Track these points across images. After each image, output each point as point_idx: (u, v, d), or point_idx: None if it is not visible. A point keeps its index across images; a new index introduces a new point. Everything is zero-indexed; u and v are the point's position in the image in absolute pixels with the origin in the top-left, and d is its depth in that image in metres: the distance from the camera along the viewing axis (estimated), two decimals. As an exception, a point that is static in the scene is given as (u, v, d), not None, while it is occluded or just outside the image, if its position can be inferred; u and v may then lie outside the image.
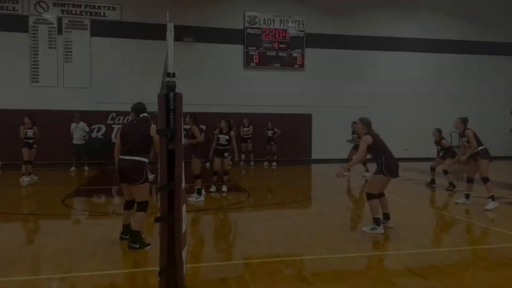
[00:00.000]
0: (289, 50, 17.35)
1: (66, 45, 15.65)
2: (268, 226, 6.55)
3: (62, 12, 15.58)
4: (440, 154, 10.67)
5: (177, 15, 15.60)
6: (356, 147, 12.59)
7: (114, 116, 15.75)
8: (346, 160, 12.90)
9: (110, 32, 15.85)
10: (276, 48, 17.24)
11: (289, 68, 17.38)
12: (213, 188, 9.57)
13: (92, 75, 15.79)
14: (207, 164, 13.60)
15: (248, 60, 16.98)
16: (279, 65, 17.27)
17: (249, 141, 15.59)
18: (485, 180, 7.80)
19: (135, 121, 5.42)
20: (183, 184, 3.60)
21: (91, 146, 14.64)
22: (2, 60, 15.06)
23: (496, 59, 19.23)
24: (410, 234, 6.04)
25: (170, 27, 3.45)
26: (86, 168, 13.89)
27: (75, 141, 13.76)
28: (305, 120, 17.43)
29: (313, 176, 14.69)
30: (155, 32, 15.14)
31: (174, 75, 3.50)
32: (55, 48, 15.56)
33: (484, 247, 5.65)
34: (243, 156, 15.66)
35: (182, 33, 15.49)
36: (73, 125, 13.76)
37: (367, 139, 6.18)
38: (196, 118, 8.56)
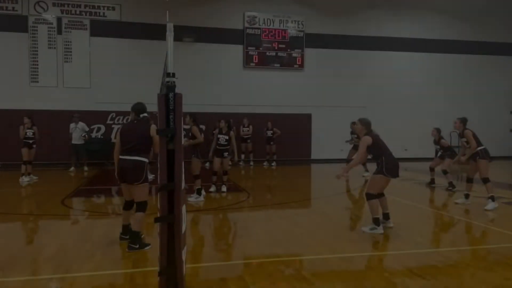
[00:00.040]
0: (288, 50, 17.35)
1: (66, 45, 15.64)
2: (268, 226, 6.55)
3: (62, 12, 15.57)
4: (439, 154, 10.67)
5: (177, 15, 15.62)
6: (355, 147, 12.59)
7: (114, 116, 15.74)
8: (346, 160, 12.93)
9: (110, 32, 15.84)
10: (276, 48, 17.23)
11: (288, 68, 17.38)
12: (212, 188, 9.57)
13: (91, 75, 15.78)
14: (207, 164, 13.60)
15: (247, 60, 16.98)
16: (278, 65, 17.27)
17: (249, 141, 15.58)
18: (485, 180, 7.80)
19: (135, 121, 5.42)
20: (183, 184, 3.60)
21: (91, 146, 14.63)
22: (2, 60, 15.04)
23: (496, 59, 19.24)
24: (410, 234, 6.04)
25: (170, 27, 3.45)
26: (86, 168, 13.88)
27: (74, 141, 13.74)
28: (304, 120, 17.43)
29: (312, 176, 14.69)
30: (155, 32, 15.15)
31: (174, 75, 3.49)
32: (54, 48, 15.55)
33: (484, 247, 5.66)
34: (242, 156, 15.66)
35: (181, 33, 15.49)
36: (72, 125, 13.75)
37: (366, 140, 6.18)
38: (196, 118, 8.55)
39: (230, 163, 9.83)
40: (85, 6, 15.70)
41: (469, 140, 7.92)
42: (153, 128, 5.18)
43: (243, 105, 16.52)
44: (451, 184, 10.05)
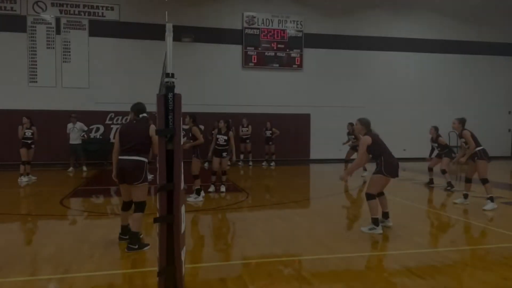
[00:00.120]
0: (287, 50, 17.35)
1: (65, 45, 15.63)
2: (267, 226, 6.55)
3: (60, 12, 15.56)
4: (435, 152, 10.69)
5: (176, 15, 15.62)
6: (354, 148, 12.59)
7: (113, 116, 15.73)
8: (344, 161, 12.94)
9: (109, 32, 15.83)
10: (275, 48, 17.24)
11: (287, 68, 17.39)
12: (211, 188, 9.57)
13: (90, 75, 15.77)
14: (206, 164, 13.59)
15: (246, 60, 16.98)
16: (277, 65, 17.28)
17: (248, 141, 15.57)
18: (484, 181, 7.82)
19: (134, 121, 5.42)
20: (182, 185, 3.60)
21: (90, 146, 14.62)
22: (0, 60, 15.04)
23: (495, 59, 19.29)
24: (409, 234, 6.05)
25: (169, 28, 3.45)
26: (84, 168, 13.86)
27: (72, 141, 13.71)
28: (303, 120, 17.44)
29: (311, 176, 14.70)
30: (154, 32, 15.15)
31: (173, 75, 3.50)
32: (53, 48, 15.53)
33: (483, 247, 5.66)
34: (241, 156, 15.67)
35: (180, 33, 15.49)
36: (69, 125, 13.71)
37: (366, 140, 6.18)
38: (195, 118, 8.55)
39: (229, 163, 9.83)
40: (84, 6, 15.68)
41: (467, 140, 7.94)
42: (153, 128, 5.18)
43: (242, 105, 16.52)
44: (449, 184, 10.06)
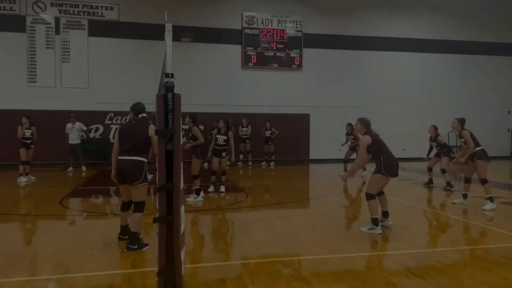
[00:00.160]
0: (287, 50, 17.35)
1: (64, 45, 15.62)
2: (267, 226, 6.55)
3: (60, 12, 15.55)
4: (434, 151, 10.70)
5: (175, 15, 15.62)
6: (353, 148, 12.60)
7: (112, 116, 15.73)
8: (343, 161, 12.93)
9: (108, 32, 15.82)
10: (274, 48, 17.24)
11: (287, 68, 17.38)
12: (211, 188, 9.57)
13: (89, 75, 15.76)
14: (205, 165, 13.60)
15: (246, 60, 16.98)
16: (277, 65, 17.27)
17: (247, 141, 15.57)
18: (484, 181, 7.82)
19: (134, 121, 5.41)
20: (182, 185, 3.60)
21: (89, 146, 14.61)
22: (0, 60, 15.02)
23: (495, 59, 19.28)
24: (408, 234, 6.05)
25: (168, 28, 3.45)
26: (84, 168, 13.85)
27: (71, 141, 13.70)
28: (303, 120, 17.45)
29: (311, 176, 14.70)
30: (153, 32, 15.14)
31: (172, 75, 3.49)
32: (52, 48, 15.52)
33: (482, 247, 5.66)
34: (241, 156, 15.66)
35: (179, 33, 15.48)
36: (68, 125, 13.70)
37: (366, 139, 6.17)
38: (195, 118, 8.55)
39: (228, 163, 9.83)
40: (83, 6, 15.68)
41: (467, 140, 7.94)
42: (152, 128, 5.18)
43: (241, 105, 16.51)
44: (449, 184, 10.07)
